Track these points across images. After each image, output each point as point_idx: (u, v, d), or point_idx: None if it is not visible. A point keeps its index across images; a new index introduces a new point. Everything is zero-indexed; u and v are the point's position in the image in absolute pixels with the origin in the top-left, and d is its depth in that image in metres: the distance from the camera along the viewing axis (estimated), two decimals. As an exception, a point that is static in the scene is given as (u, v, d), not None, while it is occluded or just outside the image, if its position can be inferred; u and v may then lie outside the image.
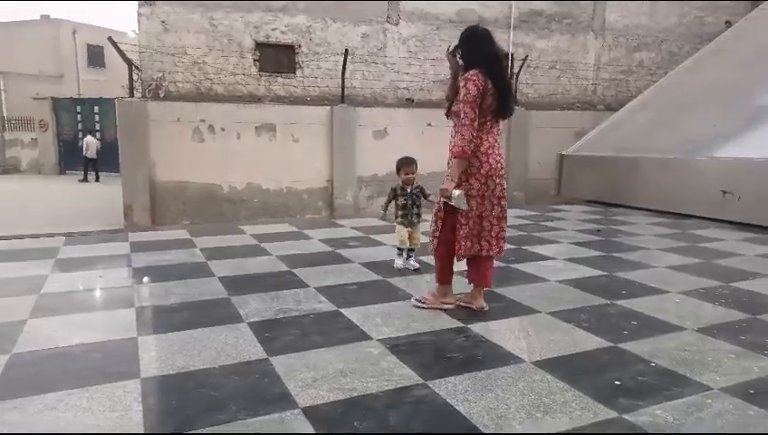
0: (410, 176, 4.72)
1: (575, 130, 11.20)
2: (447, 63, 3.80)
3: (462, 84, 3.48)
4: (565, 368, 2.88)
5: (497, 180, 3.58)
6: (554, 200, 9.79)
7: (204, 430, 2.30)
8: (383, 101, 11.30)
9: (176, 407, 2.50)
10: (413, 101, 11.40)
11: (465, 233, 3.60)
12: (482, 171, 3.52)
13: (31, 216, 10.58)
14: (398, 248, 4.95)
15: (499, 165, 3.59)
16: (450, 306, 3.80)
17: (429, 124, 10.35)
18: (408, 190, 4.77)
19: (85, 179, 18.75)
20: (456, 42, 3.70)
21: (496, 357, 3.01)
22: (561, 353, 3.08)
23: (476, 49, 3.58)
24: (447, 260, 3.77)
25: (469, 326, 3.48)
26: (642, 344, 3.20)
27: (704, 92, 9.32)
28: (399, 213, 4.81)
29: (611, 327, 3.48)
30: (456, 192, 3.45)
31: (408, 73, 11.27)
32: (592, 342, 3.25)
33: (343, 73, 10.21)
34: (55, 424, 2.36)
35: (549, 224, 7.31)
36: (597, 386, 2.68)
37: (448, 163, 3.60)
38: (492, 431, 2.28)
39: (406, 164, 4.74)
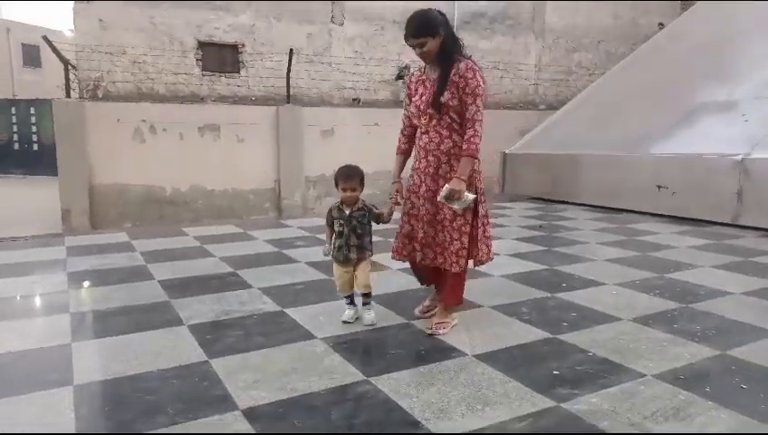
0: (350, 195, 3.29)
1: (518, 128, 11.45)
2: (411, 53, 3.20)
3: (470, 75, 3.05)
4: (506, 360, 2.94)
5: None
6: (498, 198, 9.98)
7: (139, 437, 2.23)
8: (329, 100, 11.27)
9: (111, 412, 2.42)
10: (359, 101, 11.42)
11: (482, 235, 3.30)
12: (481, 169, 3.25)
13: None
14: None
15: None
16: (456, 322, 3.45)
17: (376, 124, 10.40)
18: (348, 213, 3.33)
19: None
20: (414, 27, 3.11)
21: (439, 351, 3.04)
22: (503, 346, 3.13)
23: (454, 35, 3.20)
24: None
25: (413, 322, 3.50)
26: (580, 335, 3.29)
27: (639, 91, 9.68)
28: (335, 244, 3.39)
29: (551, 319, 3.57)
30: (471, 196, 3.08)
31: (353, 73, 11.28)
32: (532, 334, 3.32)
33: (288, 73, 10.13)
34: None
35: (493, 220, 7.42)
36: (536, 377, 2.74)
37: (428, 162, 3.23)
38: (433, 425, 2.30)
39: (344, 178, 3.30)
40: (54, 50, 9.07)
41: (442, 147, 3.17)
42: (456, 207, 3.09)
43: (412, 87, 3.33)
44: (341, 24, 11.31)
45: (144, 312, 3.76)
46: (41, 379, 2.75)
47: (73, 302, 4.00)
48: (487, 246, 3.33)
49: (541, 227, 6.99)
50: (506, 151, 10.43)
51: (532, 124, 11.40)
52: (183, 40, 10.29)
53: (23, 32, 25.58)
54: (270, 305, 3.86)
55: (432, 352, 3.04)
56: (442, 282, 3.41)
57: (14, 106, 20.24)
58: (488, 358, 2.96)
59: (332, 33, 11.27)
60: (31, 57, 25.78)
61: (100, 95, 9.84)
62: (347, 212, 3.34)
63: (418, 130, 3.32)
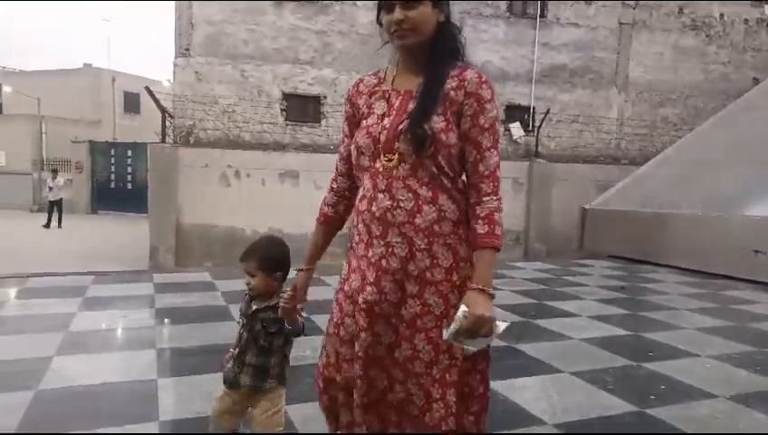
0: (248, 282, 2.14)
1: (598, 183, 11.19)
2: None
3: (487, 95, 1.70)
4: (588, 432, 2.78)
5: None
6: (576, 254, 9.67)
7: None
8: (407, 151, 11.44)
9: (190, 456, 2.48)
10: (437, 151, 11.54)
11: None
12: None
13: (63, 254, 10.79)
14: None
15: None
16: None
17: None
18: (254, 309, 2.19)
19: (48, 225, 16.28)
20: None
21: (516, 417, 2.93)
22: (585, 416, 2.97)
23: (456, 34, 1.79)
24: None
25: (490, 382, 3.39)
26: (670, 410, 3.08)
27: (732, 149, 9.25)
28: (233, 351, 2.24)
29: (638, 390, 3.36)
30: (503, 325, 1.69)
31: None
32: (617, 405, 3.14)
33: (368, 123, 10.42)
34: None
35: (571, 278, 7.20)
36: (622, 452, 2.58)
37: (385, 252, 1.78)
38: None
39: (242, 256, 2.16)
40: (155, 99, 9.78)
41: (418, 218, 1.71)
42: (472, 348, 1.69)
43: (361, 102, 1.90)
44: (422, 77, 11.58)
45: (223, 352, 3.83)
46: (129, 411, 2.87)
47: (158, 338, 4.17)
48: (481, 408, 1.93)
49: (623, 288, 6.69)
50: (586, 206, 10.16)
51: (612, 179, 11.09)
52: (270, 92, 10.83)
53: (126, 80, 27.83)
54: (344, 355, 3.86)
55: (509, 417, 2.92)
56: None
57: (114, 148, 21.94)
58: (569, 429, 2.81)
59: (412, 86, 11.55)
60: (131, 104, 27.92)
61: (192, 141, 10.45)
62: (253, 307, 2.12)
63: (365, 182, 1.83)
